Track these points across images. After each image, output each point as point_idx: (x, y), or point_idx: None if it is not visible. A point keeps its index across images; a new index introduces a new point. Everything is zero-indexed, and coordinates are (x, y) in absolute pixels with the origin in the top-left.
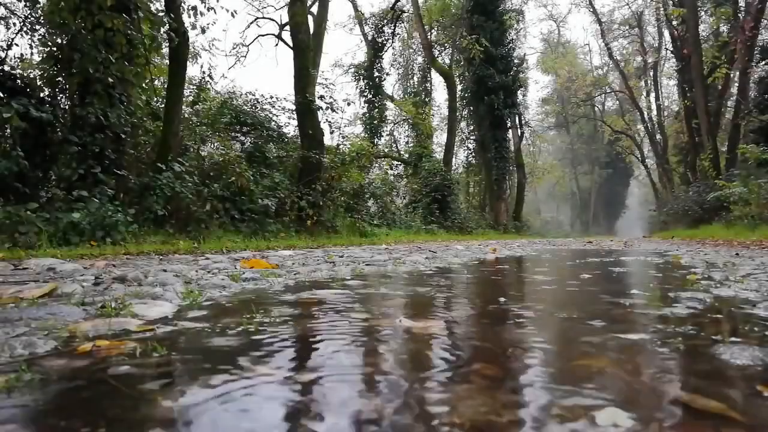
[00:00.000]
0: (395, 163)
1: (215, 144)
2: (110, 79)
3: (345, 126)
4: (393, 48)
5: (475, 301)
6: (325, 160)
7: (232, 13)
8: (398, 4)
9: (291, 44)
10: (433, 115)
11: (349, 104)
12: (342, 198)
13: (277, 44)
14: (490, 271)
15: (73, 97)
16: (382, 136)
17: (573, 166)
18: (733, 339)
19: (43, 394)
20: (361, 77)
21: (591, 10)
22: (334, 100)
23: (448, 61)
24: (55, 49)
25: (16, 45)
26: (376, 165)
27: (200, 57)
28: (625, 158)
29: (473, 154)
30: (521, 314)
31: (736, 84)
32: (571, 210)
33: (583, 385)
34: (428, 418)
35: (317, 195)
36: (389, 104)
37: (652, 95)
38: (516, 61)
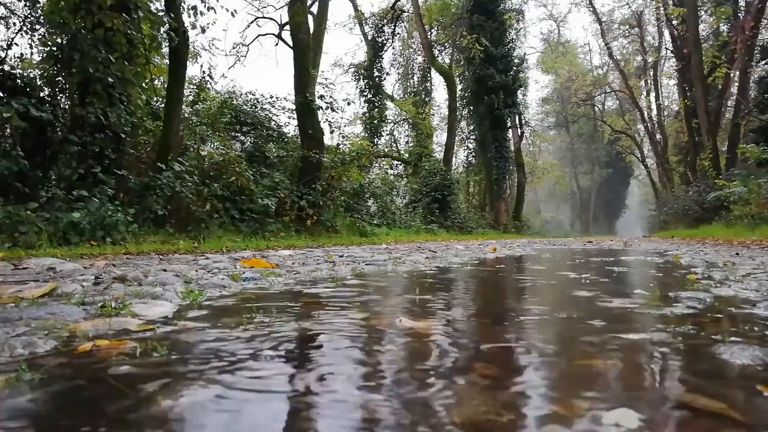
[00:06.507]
0: (395, 162)
1: (215, 144)
2: (110, 79)
3: (345, 126)
4: (393, 48)
5: (475, 301)
6: (325, 160)
7: (232, 13)
8: (398, 3)
9: (291, 44)
10: (433, 115)
11: (349, 104)
12: (342, 198)
13: (277, 44)
14: (490, 271)
15: (73, 97)
16: (382, 135)
17: (573, 165)
18: (733, 339)
19: (43, 394)
20: (361, 77)
21: (591, 9)
22: (334, 100)
23: (448, 61)
24: (55, 48)
25: (16, 45)
26: (376, 165)
27: (200, 57)
28: (625, 158)
29: (473, 154)
30: (521, 314)
31: (736, 84)
32: (571, 210)
33: (583, 385)
34: (428, 417)
35: (317, 195)
36: (389, 104)
37: (652, 95)
38: (516, 60)
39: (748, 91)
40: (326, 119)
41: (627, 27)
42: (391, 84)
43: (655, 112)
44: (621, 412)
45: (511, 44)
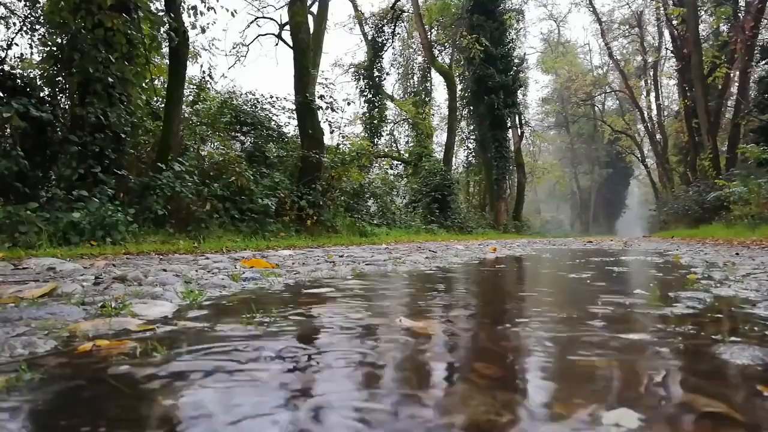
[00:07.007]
0: (395, 162)
1: (215, 144)
2: (110, 79)
3: (345, 126)
4: (393, 48)
5: (475, 301)
6: (325, 160)
7: (232, 13)
8: (398, 3)
9: (291, 44)
10: (433, 115)
11: (349, 104)
12: (342, 198)
13: (277, 44)
14: (490, 271)
15: (73, 97)
16: (382, 135)
17: (573, 165)
18: (733, 339)
19: (43, 394)
20: (361, 77)
21: (591, 9)
22: (334, 100)
23: (448, 61)
24: (55, 48)
25: (16, 45)
26: (376, 165)
27: (200, 57)
28: (625, 158)
29: (473, 154)
30: (521, 314)
31: (736, 84)
32: (571, 210)
33: (583, 385)
34: (428, 417)
35: (317, 195)
36: (389, 104)
37: (652, 95)
38: (516, 60)
39: (748, 91)
40: (326, 119)
41: (627, 27)
42: (391, 84)
43: (655, 112)
44: (621, 412)
45: (511, 44)
